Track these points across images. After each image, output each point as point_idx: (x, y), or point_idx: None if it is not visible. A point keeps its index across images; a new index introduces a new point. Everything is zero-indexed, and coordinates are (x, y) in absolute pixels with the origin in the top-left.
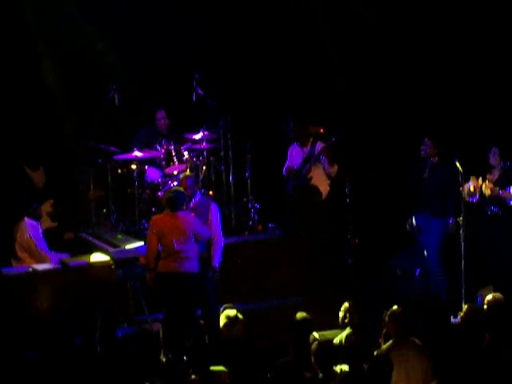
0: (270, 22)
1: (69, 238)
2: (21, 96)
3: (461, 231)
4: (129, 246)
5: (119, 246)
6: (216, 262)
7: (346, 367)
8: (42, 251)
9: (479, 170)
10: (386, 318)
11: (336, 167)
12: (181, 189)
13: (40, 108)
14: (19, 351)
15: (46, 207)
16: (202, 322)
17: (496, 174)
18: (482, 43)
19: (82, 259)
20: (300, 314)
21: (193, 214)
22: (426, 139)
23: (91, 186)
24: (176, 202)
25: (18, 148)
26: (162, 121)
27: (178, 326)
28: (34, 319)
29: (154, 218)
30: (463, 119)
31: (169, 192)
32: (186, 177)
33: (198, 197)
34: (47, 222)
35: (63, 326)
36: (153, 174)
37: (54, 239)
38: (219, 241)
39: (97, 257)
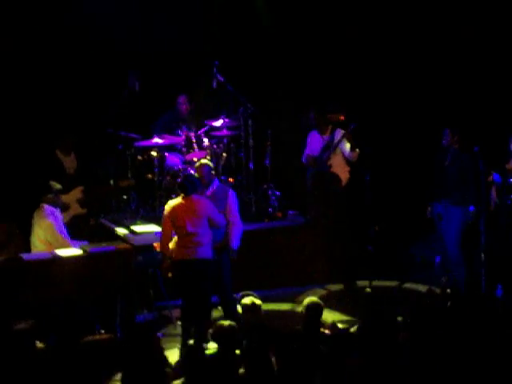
0: (290, 8)
1: (92, 223)
2: (52, 79)
3: (481, 220)
4: (149, 233)
5: (139, 233)
6: (234, 243)
7: None
8: (61, 237)
9: (500, 158)
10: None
11: (357, 152)
12: (195, 175)
13: (72, 93)
14: (38, 337)
15: (76, 193)
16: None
17: None
18: (504, 29)
19: (102, 245)
20: (310, 299)
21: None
22: (446, 128)
23: (112, 174)
24: (189, 186)
25: (50, 133)
26: (184, 105)
27: (196, 313)
28: (54, 305)
29: (169, 202)
30: (484, 107)
31: (182, 177)
32: (202, 165)
33: (215, 184)
34: (76, 209)
35: (83, 312)
36: (173, 160)
37: (80, 226)
38: (238, 226)
39: (118, 243)
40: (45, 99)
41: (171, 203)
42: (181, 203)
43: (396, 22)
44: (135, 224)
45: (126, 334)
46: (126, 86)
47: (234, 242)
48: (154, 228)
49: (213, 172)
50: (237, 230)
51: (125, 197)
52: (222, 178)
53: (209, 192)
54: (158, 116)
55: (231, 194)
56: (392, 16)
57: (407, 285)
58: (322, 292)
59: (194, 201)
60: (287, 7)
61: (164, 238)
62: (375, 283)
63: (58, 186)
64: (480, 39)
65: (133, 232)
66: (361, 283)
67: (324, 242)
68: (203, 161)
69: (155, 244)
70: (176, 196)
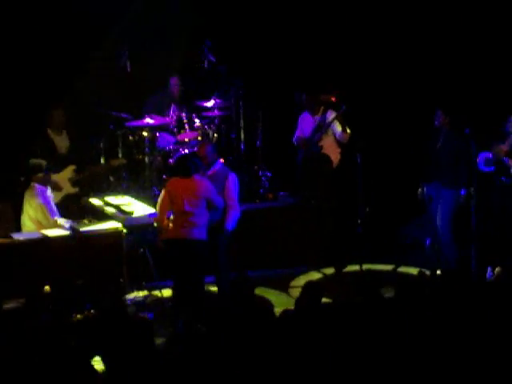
0: None
1: (85, 203)
2: (43, 58)
3: (472, 202)
4: (139, 213)
5: (130, 213)
6: (230, 225)
7: None
8: (52, 217)
9: (494, 139)
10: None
11: (348, 133)
12: (193, 156)
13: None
14: (30, 318)
15: (68, 173)
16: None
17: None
18: (498, 8)
19: (92, 226)
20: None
21: (209, 181)
22: (438, 109)
23: (103, 153)
24: (191, 166)
25: (42, 112)
26: (176, 87)
27: (187, 293)
28: (44, 285)
29: (171, 179)
30: (477, 88)
31: (182, 158)
32: (205, 145)
33: (217, 165)
34: (68, 188)
35: (74, 291)
36: (164, 140)
37: (71, 205)
38: (236, 209)
39: (108, 224)
40: (36, 77)
41: (172, 180)
42: (182, 181)
43: (388, 4)
44: (126, 204)
45: (116, 313)
46: (118, 65)
47: (230, 224)
48: (144, 208)
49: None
50: (234, 213)
51: (112, 178)
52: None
53: (210, 172)
54: (148, 96)
55: (231, 177)
56: None
57: (402, 269)
58: (318, 275)
59: (195, 181)
60: None
61: (161, 212)
62: (371, 267)
63: (44, 163)
64: (471, 18)
65: (123, 212)
66: (351, 267)
67: (315, 223)
68: (207, 141)
69: (154, 220)
70: (167, 176)
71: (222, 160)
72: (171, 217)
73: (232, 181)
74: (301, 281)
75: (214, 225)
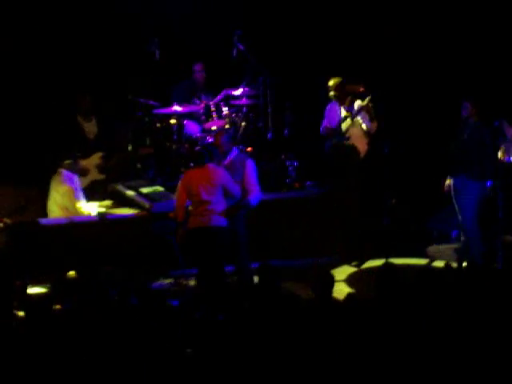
0: None
1: (111, 189)
2: (72, 45)
3: (498, 194)
4: (165, 200)
5: (156, 200)
6: (252, 200)
7: None
8: (78, 203)
9: None
10: None
11: (376, 123)
12: (207, 145)
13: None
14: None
15: (95, 159)
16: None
17: None
18: None
19: (119, 212)
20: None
21: (225, 169)
22: (466, 100)
23: (131, 141)
24: (206, 155)
25: (71, 99)
26: (200, 73)
27: (211, 281)
28: (70, 270)
29: (186, 171)
30: (505, 80)
31: (199, 146)
32: (221, 133)
33: (234, 153)
34: (95, 174)
35: (98, 277)
36: (192, 128)
37: (98, 191)
38: (257, 192)
39: (134, 210)
40: (67, 65)
41: (187, 172)
42: (196, 171)
43: None
44: (153, 191)
45: (141, 301)
46: (147, 53)
47: (252, 199)
48: (171, 196)
49: (234, 141)
50: (256, 194)
51: (139, 166)
52: (241, 147)
53: (226, 161)
54: (176, 84)
55: (249, 163)
56: None
57: (437, 263)
58: (351, 269)
59: (210, 169)
60: None
61: (178, 205)
62: (404, 261)
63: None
64: (501, 7)
65: (150, 199)
66: (376, 262)
67: (341, 213)
68: (222, 130)
69: (170, 214)
70: (194, 164)
71: (247, 148)
72: (189, 207)
73: (250, 167)
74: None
75: (232, 206)
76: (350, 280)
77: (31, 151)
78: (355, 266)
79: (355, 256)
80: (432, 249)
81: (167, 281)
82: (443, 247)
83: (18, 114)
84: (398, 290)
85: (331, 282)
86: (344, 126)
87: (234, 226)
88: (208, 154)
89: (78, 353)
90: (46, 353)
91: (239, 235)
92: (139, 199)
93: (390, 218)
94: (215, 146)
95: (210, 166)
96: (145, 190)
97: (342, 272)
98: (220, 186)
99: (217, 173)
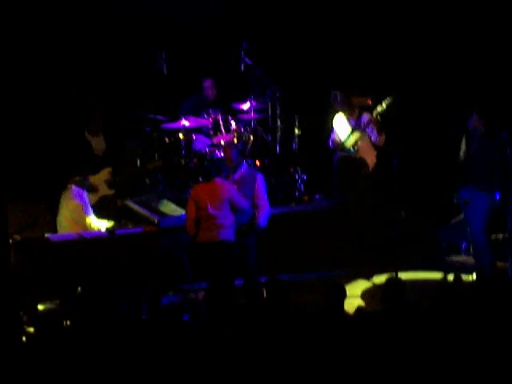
0: None
1: (120, 205)
2: (82, 63)
3: (507, 206)
4: (174, 215)
5: (165, 215)
6: (261, 222)
7: None
8: (88, 219)
9: None
10: None
11: (384, 136)
12: (215, 159)
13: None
14: (65, 318)
15: (104, 174)
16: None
17: None
18: None
19: (128, 227)
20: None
21: (234, 184)
22: (473, 111)
23: (139, 156)
24: (212, 169)
25: (79, 114)
26: (209, 90)
27: (220, 295)
28: (80, 285)
29: (195, 185)
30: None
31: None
32: (230, 148)
33: (244, 168)
34: (104, 190)
35: (109, 292)
36: (200, 143)
37: (107, 207)
38: (266, 208)
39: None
40: (74, 80)
41: (195, 186)
42: (204, 186)
43: (424, 8)
44: (161, 206)
45: (151, 315)
46: (154, 68)
47: (261, 221)
48: (180, 210)
49: (243, 156)
50: (265, 211)
51: (148, 181)
52: (249, 161)
53: (237, 176)
54: (184, 98)
55: (259, 177)
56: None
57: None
58: (367, 284)
59: (217, 184)
60: None
61: (187, 219)
62: (418, 276)
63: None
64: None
65: (159, 214)
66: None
67: (350, 226)
68: (230, 145)
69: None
70: (203, 179)
71: (256, 162)
72: (199, 221)
73: (260, 181)
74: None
75: (243, 227)
76: (364, 295)
77: (40, 167)
78: (369, 280)
79: (365, 269)
80: (442, 261)
81: (176, 295)
82: (453, 259)
83: (26, 131)
84: (403, 303)
85: (343, 294)
86: (352, 138)
87: (244, 239)
88: (215, 168)
89: (88, 368)
90: (55, 368)
91: (249, 249)
92: (148, 214)
93: (399, 231)
94: (224, 160)
95: (218, 180)
96: (154, 205)
97: (356, 286)
98: (226, 201)
99: (223, 187)
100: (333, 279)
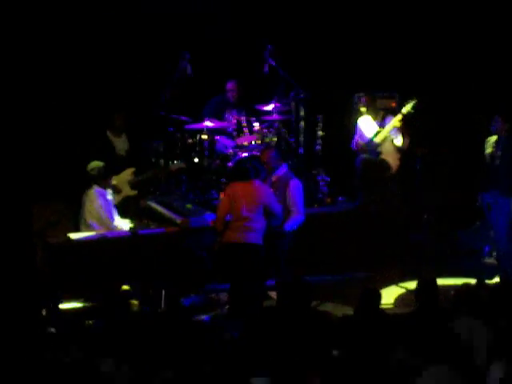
0: None
1: (143, 205)
2: (106, 63)
3: None
4: (197, 216)
5: (188, 216)
6: (288, 225)
7: None
8: (110, 219)
9: None
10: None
11: (408, 139)
12: (254, 160)
13: (124, 74)
14: (87, 317)
15: (127, 175)
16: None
17: None
18: None
19: (151, 227)
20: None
21: (270, 187)
22: (497, 115)
23: (162, 156)
24: (252, 170)
25: (102, 114)
26: (232, 92)
27: (243, 298)
28: (101, 285)
29: (231, 183)
30: None
31: (242, 162)
32: (268, 149)
33: (281, 171)
34: (127, 190)
35: (131, 292)
36: (223, 144)
37: (130, 207)
38: (297, 215)
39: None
40: (97, 80)
41: (233, 184)
42: (241, 185)
43: (448, 10)
44: (184, 207)
45: (171, 316)
46: (178, 68)
47: (289, 224)
48: (203, 211)
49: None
50: (297, 216)
51: (171, 181)
52: (290, 163)
53: (273, 178)
54: (208, 99)
55: (293, 183)
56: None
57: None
58: (400, 291)
59: (255, 186)
60: None
61: (219, 215)
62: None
63: (104, 166)
64: None
65: (182, 214)
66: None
67: (373, 229)
68: (270, 146)
69: (211, 222)
70: (226, 180)
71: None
72: (230, 221)
73: (293, 187)
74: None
75: (274, 231)
76: (398, 301)
77: (63, 168)
78: (401, 286)
79: (387, 272)
80: (464, 264)
81: (198, 296)
82: (475, 262)
83: (49, 131)
84: (437, 305)
85: (378, 297)
86: (376, 141)
87: (274, 242)
88: (254, 169)
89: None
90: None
91: (278, 252)
92: (171, 215)
93: (423, 234)
94: (262, 161)
95: (256, 182)
96: (177, 206)
97: (388, 293)
98: (262, 204)
99: (261, 190)
100: (365, 283)
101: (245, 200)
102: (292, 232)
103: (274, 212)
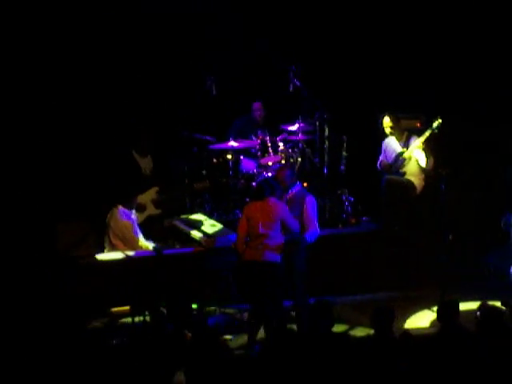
0: (365, 15)
1: (169, 225)
2: (132, 84)
3: None
4: (222, 236)
5: (212, 236)
6: (309, 236)
7: None
8: (135, 238)
9: None
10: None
11: (432, 159)
12: (270, 179)
13: (149, 95)
14: (110, 337)
15: (152, 194)
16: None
17: None
18: None
19: (175, 247)
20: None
21: (286, 204)
22: None
23: (187, 176)
24: (267, 188)
25: (127, 134)
26: (258, 112)
27: (263, 316)
28: (127, 305)
29: (247, 203)
30: None
31: (260, 180)
32: (284, 168)
33: (296, 189)
34: (151, 209)
35: (156, 312)
36: (248, 164)
37: (154, 226)
38: (314, 229)
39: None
40: (122, 100)
41: (249, 204)
42: (257, 204)
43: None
44: (209, 226)
45: (196, 335)
46: (204, 88)
47: (309, 235)
48: (227, 231)
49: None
50: (312, 231)
51: (196, 201)
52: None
53: (288, 195)
54: (233, 120)
55: (309, 200)
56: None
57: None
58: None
59: (270, 203)
60: (363, 10)
61: (238, 236)
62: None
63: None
64: None
65: (207, 234)
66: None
67: (397, 249)
68: (284, 165)
69: (232, 245)
70: (250, 199)
71: (303, 184)
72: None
73: (310, 203)
74: (413, 319)
75: (288, 245)
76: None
77: (88, 187)
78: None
79: (411, 293)
80: (489, 285)
81: (222, 316)
82: (500, 284)
83: (75, 151)
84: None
85: (392, 318)
86: (408, 152)
87: (292, 260)
88: (269, 187)
89: None
90: None
91: (297, 270)
92: (195, 234)
93: (448, 255)
94: (278, 180)
95: (271, 199)
96: (201, 226)
97: (421, 317)
98: (278, 221)
99: (277, 207)
100: (380, 302)
101: (261, 218)
102: (306, 251)
103: (290, 227)
